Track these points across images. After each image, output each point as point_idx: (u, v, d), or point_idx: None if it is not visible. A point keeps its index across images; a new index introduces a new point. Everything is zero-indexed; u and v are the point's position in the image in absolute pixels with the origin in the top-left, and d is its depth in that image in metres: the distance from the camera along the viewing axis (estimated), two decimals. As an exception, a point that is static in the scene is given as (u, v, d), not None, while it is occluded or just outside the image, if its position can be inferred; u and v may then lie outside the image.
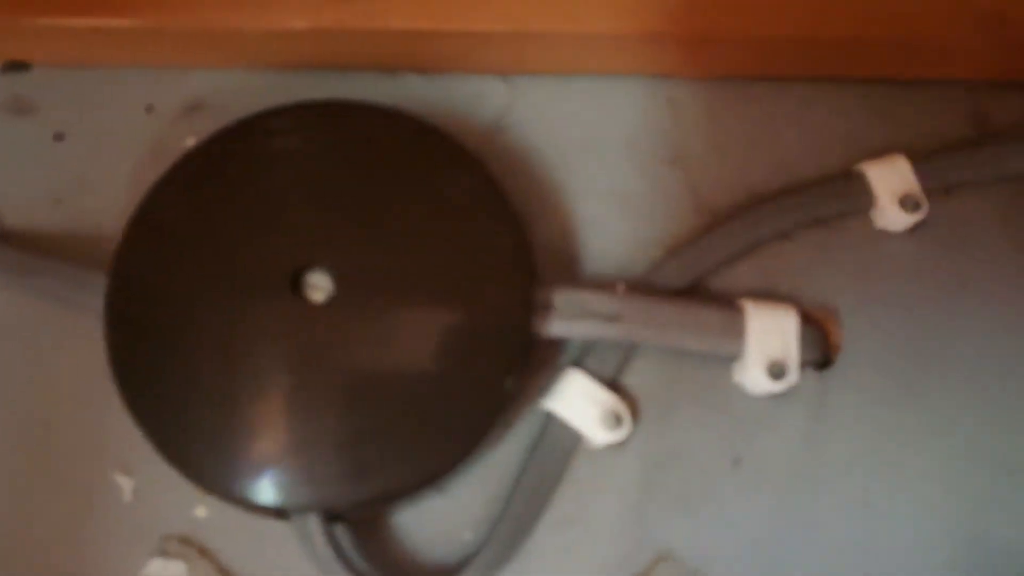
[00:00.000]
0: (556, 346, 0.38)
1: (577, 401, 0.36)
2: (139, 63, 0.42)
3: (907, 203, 0.38)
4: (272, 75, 0.42)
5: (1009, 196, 0.39)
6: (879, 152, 0.39)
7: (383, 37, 0.39)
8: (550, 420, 0.36)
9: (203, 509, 0.36)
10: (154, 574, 0.35)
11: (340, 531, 0.34)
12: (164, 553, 0.35)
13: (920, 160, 0.39)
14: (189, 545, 0.35)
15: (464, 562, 0.34)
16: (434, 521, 0.36)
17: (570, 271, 0.39)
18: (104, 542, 0.35)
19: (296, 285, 0.33)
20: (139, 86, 0.42)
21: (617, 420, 0.36)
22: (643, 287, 0.37)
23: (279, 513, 0.33)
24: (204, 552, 0.35)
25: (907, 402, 0.37)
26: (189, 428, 0.32)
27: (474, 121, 0.41)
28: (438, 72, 0.42)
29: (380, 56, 0.41)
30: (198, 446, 0.32)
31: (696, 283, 0.38)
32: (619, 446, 0.36)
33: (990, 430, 0.37)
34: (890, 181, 0.38)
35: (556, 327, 0.35)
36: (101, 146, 0.41)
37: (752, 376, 0.36)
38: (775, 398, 0.37)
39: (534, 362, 0.37)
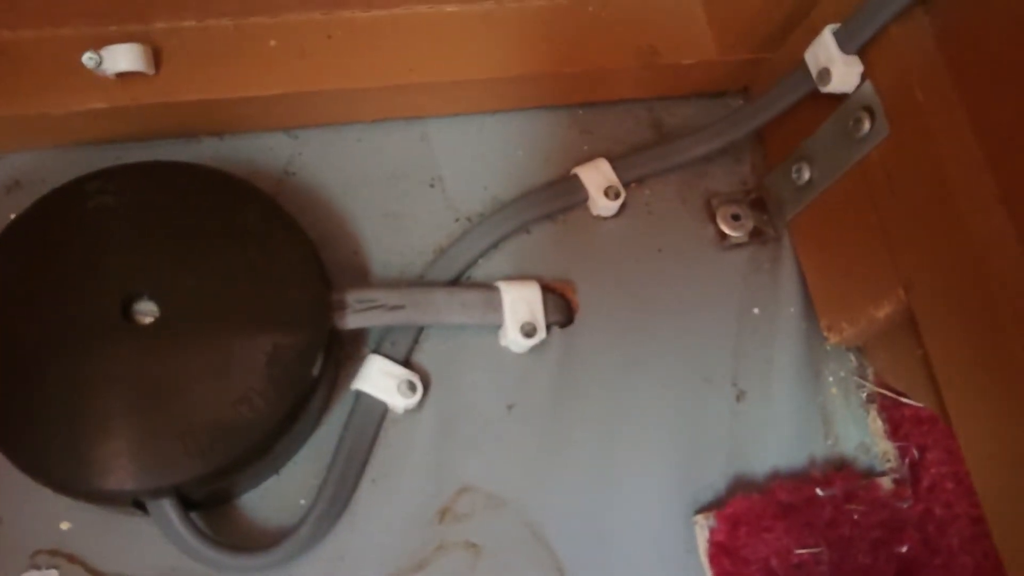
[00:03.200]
0: (360, 340, 0.47)
1: (377, 378, 0.44)
2: (-45, 153, 0.47)
3: (610, 193, 0.50)
4: (82, 150, 0.48)
5: (683, 179, 0.52)
6: (587, 158, 0.51)
7: (177, 109, 0.47)
8: (358, 397, 0.44)
9: (66, 523, 0.41)
10: (29, 585, 0.40)
11: (194, 517, 0.41)
12: (36, 566, 0.40)
13: (617, 160, 0.51)
14: (58, 555, 0.41)
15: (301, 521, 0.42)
16: (274, 497, 0.43)
17: (363, 279, 0.48)
18: (-22, 566, 0.40)
19: (127, 313, 0.40)
20: (-43, 173, 0.47)
21: (412, 388, 0.44)
22: (420, 282, 0.47)
23: (138, 505, 0.39)
24: (73, 559, 0.41)
25: (631, 341, 0.49)
26: (51, 445, 0.37)
27: (268, 170, 0.50)
28: (232, 133, 0.50)
29: (178, 125, 0.49)
30: (61, 459, 0.37)
31: (461, 275, 0.48)
32: (417, 409, 0.45)
33: (691, 352, 0.49)
34: (596, 178, 0.50)
35: (352, 320, 0.43)
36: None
37: (512, 338, 0.46)
38: (532, 353, 0.47)
39: (343, 356, 0.46)
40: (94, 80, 0.45)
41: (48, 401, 0.38)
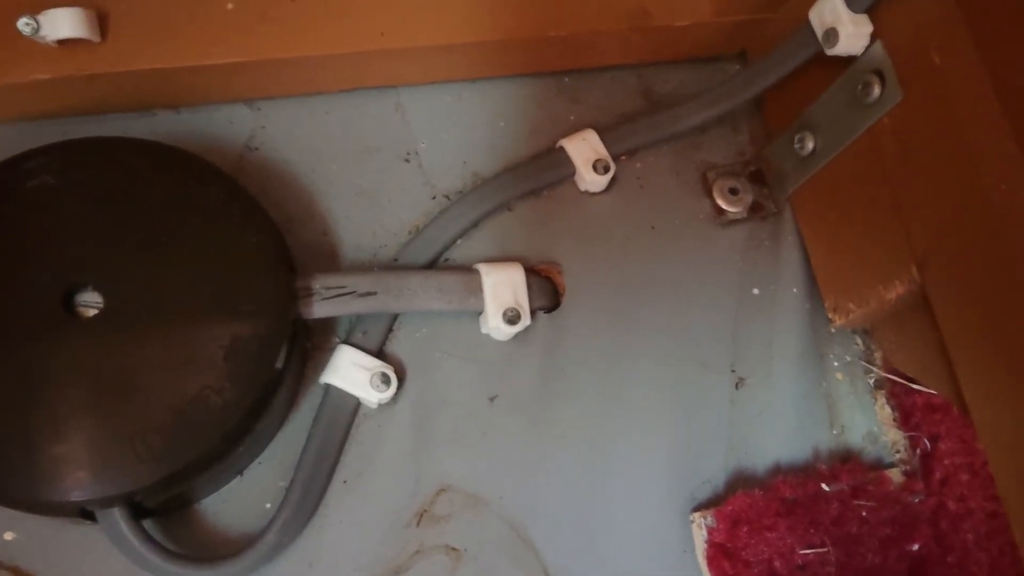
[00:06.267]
0: (329, 330, 0.43)
1: (348, 370, 0.41)
2: None
3: (599, 167, 0.46)
4: (24, 126, 0.44)
5: (677, 151, 0.49)
6: (574, 130, 0.48)
7: (126, 79, 0.43)
8: (328, 391, 0.41)
9: (10, 533, 0.38)
10: (-31, 601, 0.37)
11: (148, 525, 0.38)
12: (-23, 581, 0.37)
13: (606, 131, 0.47)
14: (2, 568, 0.38)
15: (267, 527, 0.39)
16: (237, 501, 0.40)
17: (332, 262, 0.44)
18: (-88, 581, 0.37)
19: (69, 305, 0.36)
20: None
21: (386, 380, 0.41)
22: (394, 266, 0.43)
23: (85, 514, 0.36)
24: (19, 571, 0.38)
25: (621, 325, 0.45)
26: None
27: (228, 145, 0.46)
28: (188, 106, 0.46)
29: (129, 97, 0.45)
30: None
31: (438, 257, 0.45)
32: (392, 403, 0.42)
33: (685, 335, 0.45)
34: (584, 151, 0.47)
35: (319, 308, 0.40)
36: None
37: (494, 324, 0.42)
38: (517, 340, 0.44)
39: (310, 347, 0.43)
40: (35, 49, 0.42)
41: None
